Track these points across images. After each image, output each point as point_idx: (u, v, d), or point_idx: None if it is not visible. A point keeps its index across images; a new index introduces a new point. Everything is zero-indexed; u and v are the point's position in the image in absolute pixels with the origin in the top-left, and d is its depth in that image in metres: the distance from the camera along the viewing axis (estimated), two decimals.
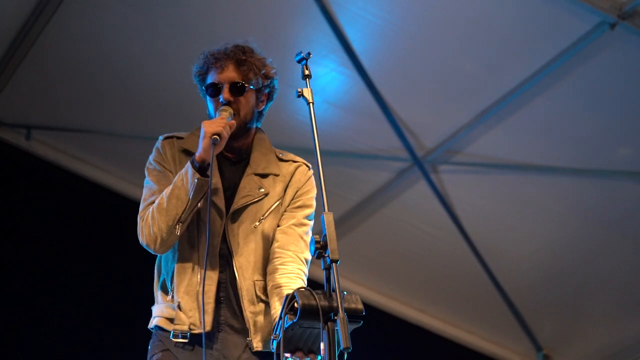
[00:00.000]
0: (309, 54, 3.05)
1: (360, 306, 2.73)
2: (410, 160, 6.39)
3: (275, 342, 2.76)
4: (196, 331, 3.14)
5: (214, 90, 3.27)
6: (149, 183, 3.31)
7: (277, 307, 3.11)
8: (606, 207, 6.44)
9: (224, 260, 3.21)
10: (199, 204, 3.16)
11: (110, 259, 6.47)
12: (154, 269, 3.34)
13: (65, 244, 6.43)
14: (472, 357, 7.59)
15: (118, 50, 6.00)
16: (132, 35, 5.90)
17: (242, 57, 3.27)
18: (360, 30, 5.64)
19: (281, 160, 3.37)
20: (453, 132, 6.15)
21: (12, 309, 6.24)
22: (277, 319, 2.89)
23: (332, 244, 2.69)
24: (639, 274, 6.76)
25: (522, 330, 7.37)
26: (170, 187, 3.17)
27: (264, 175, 3.30)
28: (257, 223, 3.25)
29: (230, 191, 3.27)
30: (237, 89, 3.25)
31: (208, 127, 3.13)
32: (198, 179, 3.10)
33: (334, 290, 2.66)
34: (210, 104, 3.31)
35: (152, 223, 3.15)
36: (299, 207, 3.32)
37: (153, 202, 3.21)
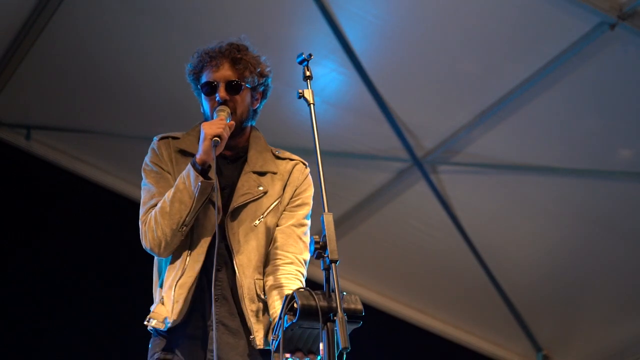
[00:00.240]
0: (310, 55, 3.03)
1: (359, 306, 2.73)
2: (409, 160, 6.39)
3: (275, 343, 2.76)
4: (170, 323, 3.13)
5: (210, 88, 3.25)
6: (147, 185, 3.29)
7: (276, 307, 3.10)
8: (606, 207, 6.44)
9: (222, 259, 3.19)
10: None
11: (110, 259, 6.47)
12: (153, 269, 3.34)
13: (65, 244, 6.43)
14: (472, 357, 7.59)
15: (118, 50, 6.01)
16: (132, 35, 5.90)
17: (237, 55, 3.26)
18: (360, 30, 5.64)
19: (278, 158, 3.36)
20: (452, 133, 6.15)
21: (12, 309, 6.24)
22: (276, 319, 2.89)
23: (331, 244, 2.69)
24: (639, 274, 6.76)
25: (522, 331, 7.37)
26: (172, 190, 3.15)
27: (262, 173, 3.30)
28: (257, 221, 3.24)
29: (229, 189, 3.26)
30: (233, 88, 3.24)
31: (208, 129, 3.12)
32: (201, 181, 3.10)
33: (333, 291, 2.65)
34: (205, 103, 3.29)
35: (155, 227, 3.14)
36: (298, 205, 3.32)
37: (154, 206, 3.20)
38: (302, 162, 3.39)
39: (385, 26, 5.60)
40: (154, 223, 3.14)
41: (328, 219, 2.73)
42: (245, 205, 3.23)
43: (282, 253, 3.23)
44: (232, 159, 3.33)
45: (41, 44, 5.89)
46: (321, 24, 5.54)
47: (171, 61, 5.82)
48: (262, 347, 3.15)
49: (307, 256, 3.24)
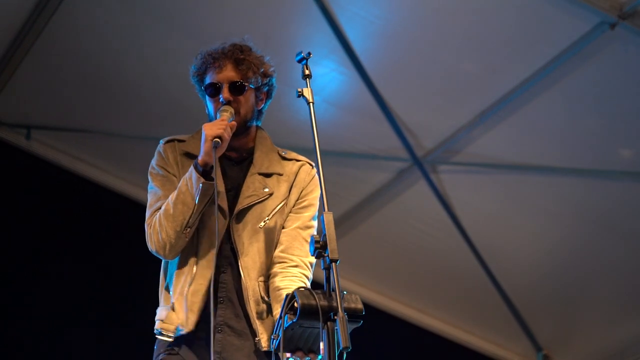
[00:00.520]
0: (309, 53, 3.04)
1: (360, 306, 2.73)
2: (409, 160, 6.39)
3: (275, 342, 2.76)
4: (184, 331, 3.13)
5: (214, 90, 3.26)
6: (153, 188, 3.30)
7: (279, 309, 3.09)
8: (606, 207, 6.43)
9: (227, 261, 3.20)
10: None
11: (110, 259, 6.47)
12: (155, 269, 3.33)
13: (65, 244, 6.43)
14: (472, 357, 7.59)
15: (118, 50, 6.00)
16: (132, 35, 5.90)
17: (240, 56, 3.26)
18: (360, 30, 5.64)
19: (284, 158, 3.37)
20: (453, 132, 6.15)
21: (12, 310, 6.24)
22: (277, 319, 2.89)
23: (331, 243, 2.69)
24: (639, 274, 6.76)
25: (522, 331, 7.37)
26: (175, 192, 3.16)
27: (267, 175, 3.30)
28: (262, 223, 3.24)
29: (234, 191, 3.26)
30: (236, 88, 3.25)
31: (209, 130, 3.13)
32: (203, 183, 3.10)
33: (333, 290, 2.66)
34: (209, 104, 3.30)
35: (159, 230, 3.15)
36: (304, 207, 3.32)
37: (159, 208, 3.20)
38: (308, 162, 3.39)
39: (385, 26, 5.60)
40: (159, 226, 3.15)
41: (328, 218, 2.73)
42: (250, 207, 3.23)
43: (287, 256, 3.23)
44: (237, 160, 3.33)
45: (41, 44, 5.88)
46: (321, 24, 5.54)
47: (171, 61, 5.83)
48: (267, 348, 3.15)
49: (312, 259, 3.22)
